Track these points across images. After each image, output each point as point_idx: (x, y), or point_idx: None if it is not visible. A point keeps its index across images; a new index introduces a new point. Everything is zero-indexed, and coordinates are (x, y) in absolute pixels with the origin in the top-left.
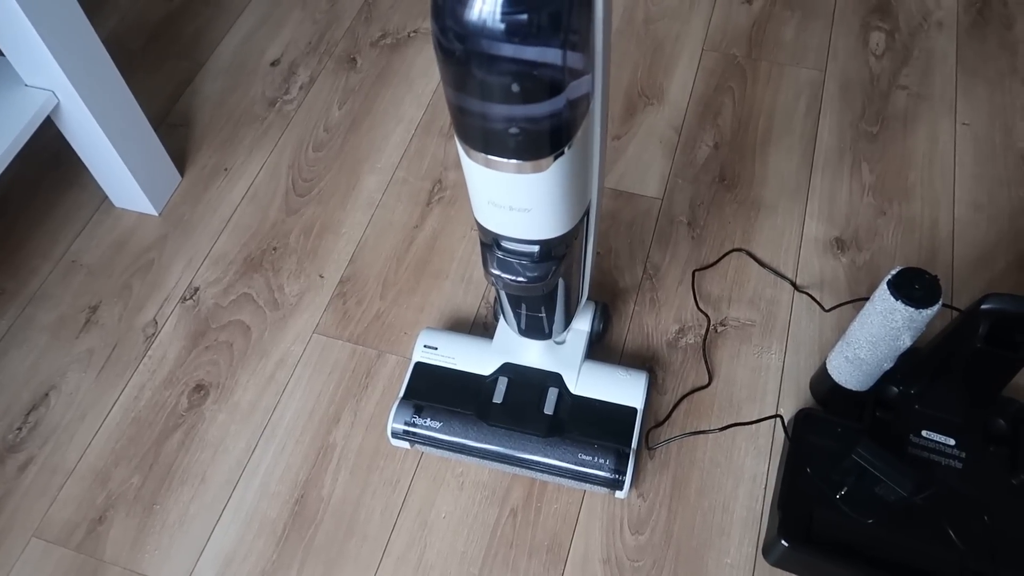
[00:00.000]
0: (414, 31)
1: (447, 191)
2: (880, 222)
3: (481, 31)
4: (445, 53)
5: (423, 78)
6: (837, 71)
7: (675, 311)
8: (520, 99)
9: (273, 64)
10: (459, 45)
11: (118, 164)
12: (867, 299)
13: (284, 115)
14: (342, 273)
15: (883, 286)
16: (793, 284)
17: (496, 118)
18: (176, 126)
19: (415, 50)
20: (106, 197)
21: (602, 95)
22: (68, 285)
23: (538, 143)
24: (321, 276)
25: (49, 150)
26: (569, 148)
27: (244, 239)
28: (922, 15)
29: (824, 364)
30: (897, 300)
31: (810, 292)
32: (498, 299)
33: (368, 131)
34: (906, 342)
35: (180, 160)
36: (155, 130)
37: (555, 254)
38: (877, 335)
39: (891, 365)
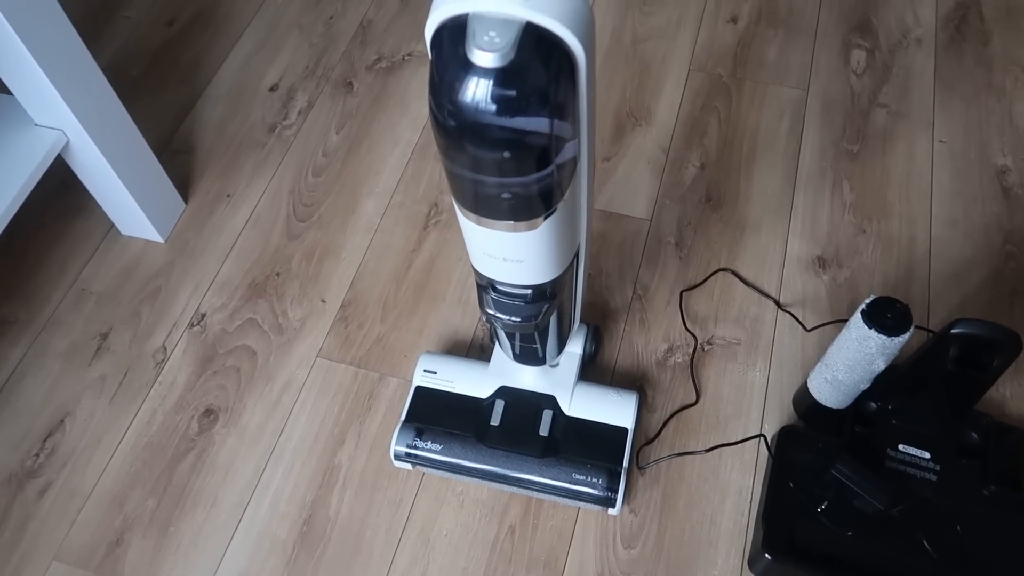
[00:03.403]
0: (408, 54)
1: (443, 214)
2: (860, 240)
3: (474, 109)
4: (441, 128)
5: (418, 101)
6: (819, 90)
7: (664, 331)
8: (512, 170)
9: (272, 89)
10: (454, 121)
11: (124, 194)
12: (846, 320)
13: (284, 140)
14: (343, 297)
15: (857, 315)
16: (776, 303)
17: (489, 185)
18: (178, 153)
19: (410, 73)
20: (113, 225)
21: (588, 154)
22: (79, 313)
23: (530, 205)
24: (323, 301)
25: (55, 179)
26: (559, 207)
27: (248, 265)
28: (901, 32)
29: (805, 383)
30: (871, 328)
31: (792, 311)
32: (493, 329)
33: (366, 155)
34: (880, 366)
35: (184, 187)
36: (158, 158)
37: (547, 295)
38: (853, 359)
39: (867, 386)
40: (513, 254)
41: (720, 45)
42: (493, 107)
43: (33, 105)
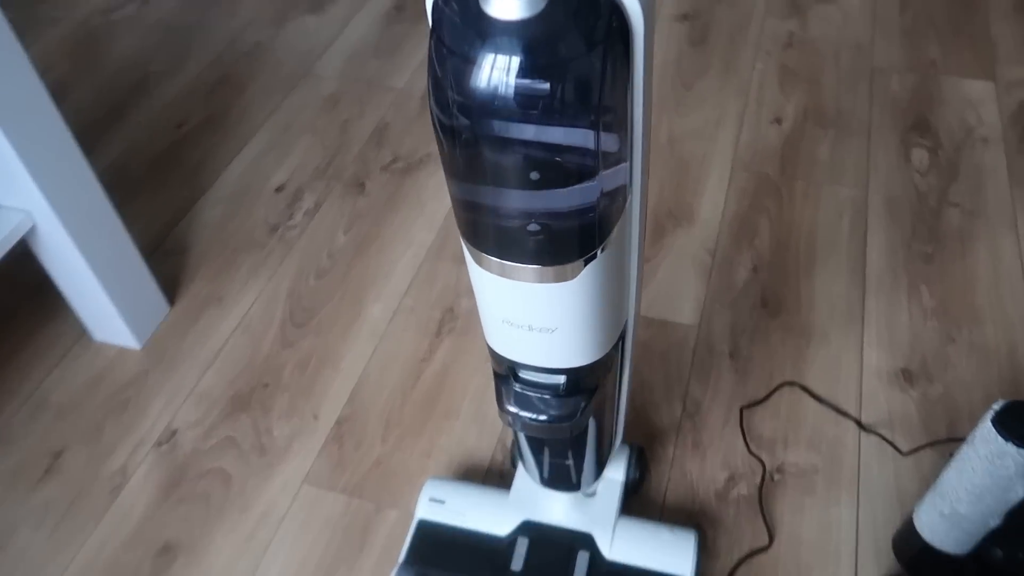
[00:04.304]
0: (427, 154)
1: (459, 320)
2: (950, 350)
3: (491, 83)
4: (445, 132)
5: (435, 200)
6: (880, 189)
7: (722, 455)
8: (541, 182)
9: (278, 190)
10: (463, 120)
11: (99, 294)
12: (951, 440)
13: (286, 242)
14: (339, 413)
15: (986, 425)
16: (858, 423)
17: (511, 211)
18: (170, 253)
19: (427, 173)
20: (86, 331)
21: (642, 179)
22: (33, 427)
23: (564, 244)
24: (315, 417)
25: (32, 280)
26: (603, 251)
27: (233, 375)
28: (964, 131)
29: (910, 519)
30: (1008, 442)
31: (879, 431)
32: (516, 442)
33: (375, 256)
34: (1020, 493)
35: (171, 289)
36: (147, 258)
37: (585, 386)
38: (981, 485)
39: (998, 523)
40: (541, 320)
41: (765, 145)
42: (516, 79)
43: None
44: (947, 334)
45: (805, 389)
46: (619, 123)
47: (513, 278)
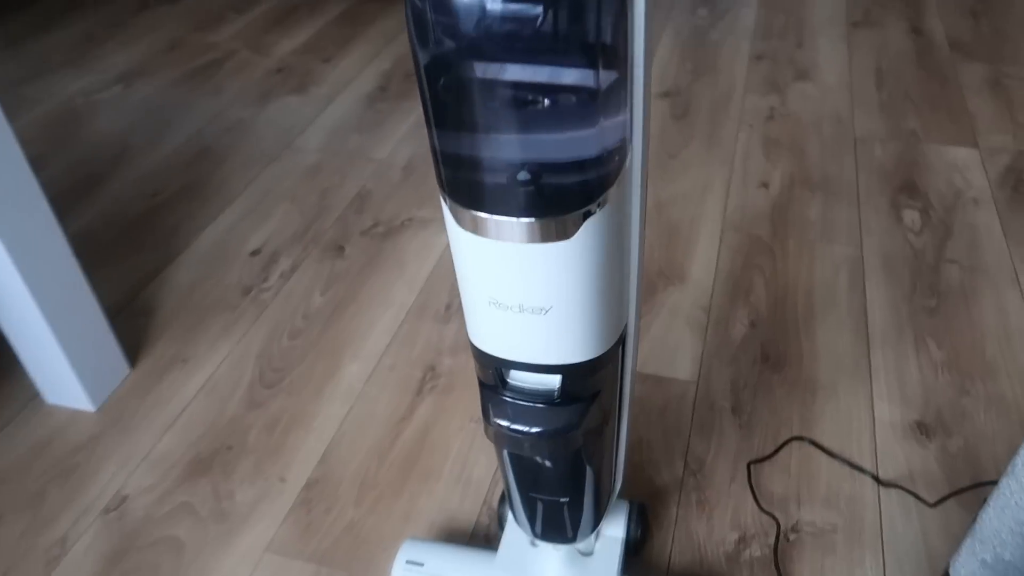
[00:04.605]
0: (408, 219)
1: (442, 378)
2: (966, 402)
3: (477, 25)
4: (428, 68)
5: (416, 262)
6: (875, 247)
7: (731, 514)
8: (530, 124)
9: (253, 253)
10: (447, 44)
11: (56, 355)
12: (982, 485)
13: (259, 303)
14: (309, 475)
15: None
16: (875, 478)
17: (499, 160)
18: (137, 315)
19: (409, 235)
20: (38, 393)
21: (643, 144)
22: None
23: (559, 193)
24: (282, 479)
25: None
26: (601, 208)
27: (194, 437)
28: (953, 193)
29: (947, 574)
30: None
31: (901, 485)
32: (505, 492)
33: (353, 317)
34: None
35: (134, 351)
36: (112, 319)
37: (582, 393)
38: None
39: None
40: (534, 296)
41: (754, 208)
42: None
43: None
44: (961, 387)
45: (815, 444)
46: (618, 60)
47: (502, 238)
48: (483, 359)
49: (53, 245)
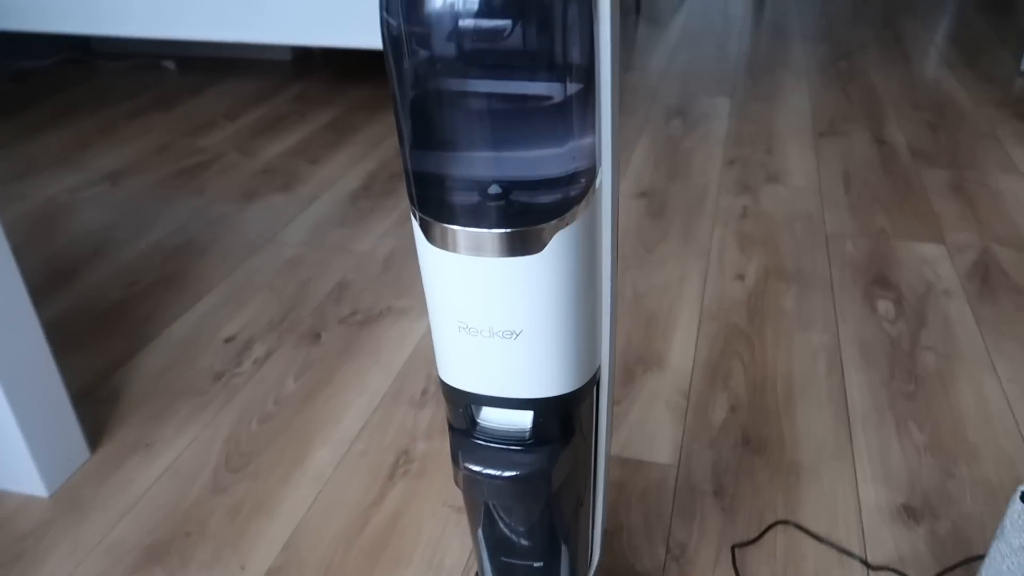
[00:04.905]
0: (387, 308)
1: (415, 463)
2: (951, 485)
3: (449, 34)
4: (400, 77)
5: (393, 348)
6: (851, 334)
7: None
8: (501, 138)
9: (227, 340)
10: (419, 53)
11: (15, 437)
12: (971, 560)
13: (230, 388)
14: (271, 562)
15: (1016, 507)
16: (864, 562)
17: (470, 165)
18: (102, 400)
19: (388, 323)
20: None
21: (612, 166)
22: None
23: (531, 204)
24: (242, 567)
25: None
26: (570, 224)
27: (152, 524)
28: (924, 285)
29: None
30: None
31: (891, 567)
32: (477, 566)
33: (326, 402)
34: None
35: (96, 435)
36: (76, 404)
37: (555, 432)
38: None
39: None
40: (504, 317)
41: (730, 298)
42: (476, 18)
43: None
44: (945, 469)
45: (801, 528)
46: (584, 75)
47: (472, 252)
48: (453, 396)
49: (25, 329)
